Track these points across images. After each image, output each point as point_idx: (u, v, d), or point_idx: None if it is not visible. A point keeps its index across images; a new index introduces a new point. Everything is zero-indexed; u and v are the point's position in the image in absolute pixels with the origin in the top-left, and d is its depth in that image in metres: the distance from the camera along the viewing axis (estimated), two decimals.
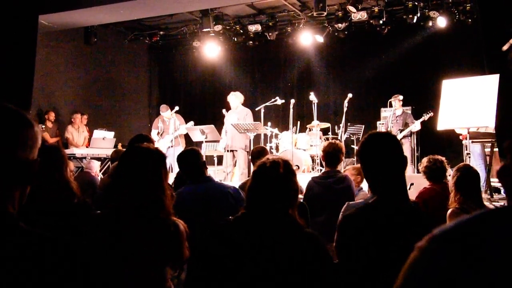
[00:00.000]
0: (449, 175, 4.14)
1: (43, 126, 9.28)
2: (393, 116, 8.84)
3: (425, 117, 8.28)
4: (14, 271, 1.01)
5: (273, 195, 1.85)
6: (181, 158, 3.30)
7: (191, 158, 3.26)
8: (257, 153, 4.23)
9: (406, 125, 8.75)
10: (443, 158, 4.03)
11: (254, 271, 1.77)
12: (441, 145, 8.75)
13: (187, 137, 8.96)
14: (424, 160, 4.05)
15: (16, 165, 1.10)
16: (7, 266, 1.01)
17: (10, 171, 1.09)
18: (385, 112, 9.85)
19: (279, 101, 8.39)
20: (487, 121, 5.53)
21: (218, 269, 1.82)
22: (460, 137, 6.92)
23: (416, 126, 8.54)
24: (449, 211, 3.24)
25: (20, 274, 1.01)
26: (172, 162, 8.36)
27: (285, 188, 1.87)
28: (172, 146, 8.70)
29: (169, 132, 8.82)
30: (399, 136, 8.32)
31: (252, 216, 1.88)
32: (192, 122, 8.87)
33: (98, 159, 8.42)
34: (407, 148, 8.54)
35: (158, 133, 8.94)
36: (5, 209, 1.09)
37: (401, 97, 8.78)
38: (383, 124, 9.53)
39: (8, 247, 1.04)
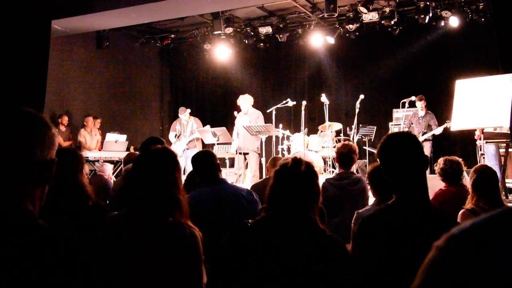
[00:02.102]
0: (463, 177, 4.10)
1: (57, 130, 9.36)
2: (415, 117, 8.76)
3: (448, 124, 8.10)
4: (30, 267, 1.03)
5: (294, 194, 1.83)
6: (195, 160, 3.30)
7: (206, 160, 3.25)
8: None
9: (429, 127, 8.65)
10: (460, 160, 3.96)
11: (275, 275, 1.75)
12: (454, 145, 8.69)
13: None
14: (440, 161, 3.98)
15: (34, 164, 1.14)
16: (23, 262, 1.03)
17: (29, 170, 1.13)
18: (397, 113, 9.79)
19: (291, 103, 8.36)
20: (502, 121, 5.47)
21: (238, 272, 1.81)
22: (475, 137, 6.86)
23: (438, 131, 8.43)
24: (460, 212, 3.21)
25: (35, 269, 1.03)
26: (186, 164, 8.39)
27: (306, 187, 1.85)
28: (187, 149, 8.74)
29: (186, 135, 8.86)
30: (420, 139, 8.21)
31: (273, 219, 1.86)
32: (208, 126, 8.89)
33: (110, 162, 8.47)
34: (427, 150, 8.42)
35: (176, 135, 8.99)
36: (24, 207, 1.12)
37: (413, 98, 8.69)
38: (398, 125, 9.44)
39: (24, 244, 1.06)
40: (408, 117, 9.01)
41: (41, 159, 1.15)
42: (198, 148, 8.86)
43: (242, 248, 1.84)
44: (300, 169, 1.86)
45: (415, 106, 8.86)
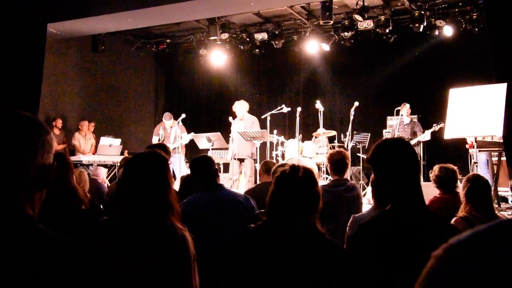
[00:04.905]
0: (457, 185, 4.13)
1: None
2: (400, 125, 8.81)
3: (436, 127, 8.18)
4: (31, 271, 1.03)
5: (292, 200, 1.86)
6: (193, 165, 3.30)
7: (204, 165, 3.25)
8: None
9: (414, 134, 8.70)
10: (455, 167, 3.99)
11: (276, 280, 1.77)
12: (447, 153, 8.73)
13: (188, 146, 8.94)
14: (436, 169, 4.01)
15: (34, 169, 1.14)
16: (24, 266, 1.04)
17: (29, 175, 1.13)
18: (391, 121, 9.84)
19: (285, 109, 8.38)
20: (494, 130, 5.52)
21: (239, 276, 1.82)
22: (467, 146, 6.92)
23: (426, 136, 8.44)
24: (453, 220, 3.22)
25: (36, 273, 1.04)
26: (173, 169, 8.35)
27: (304, 193, 1.88)
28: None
29: (170, 141, 8.78)
30: None
31: (273, 223, 1.88)
32: (192, 133, 8.83)
33: (104, 166, 8.45)
34: None
35: (159, 139, 8.94)
36: (24, 211, 1.13)
37: (408, 106, 8.76)
38: (389, 132, 9.52)
39: (25, 248, 1.06)
40: (393, 126, 9.06)
41: (42, 163, 1.15)
42: (182, 154, 8.82)
43: (244, 253, 1.86)
44: (298, 176, 1.88)
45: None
